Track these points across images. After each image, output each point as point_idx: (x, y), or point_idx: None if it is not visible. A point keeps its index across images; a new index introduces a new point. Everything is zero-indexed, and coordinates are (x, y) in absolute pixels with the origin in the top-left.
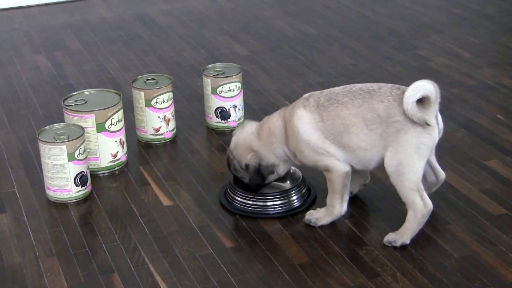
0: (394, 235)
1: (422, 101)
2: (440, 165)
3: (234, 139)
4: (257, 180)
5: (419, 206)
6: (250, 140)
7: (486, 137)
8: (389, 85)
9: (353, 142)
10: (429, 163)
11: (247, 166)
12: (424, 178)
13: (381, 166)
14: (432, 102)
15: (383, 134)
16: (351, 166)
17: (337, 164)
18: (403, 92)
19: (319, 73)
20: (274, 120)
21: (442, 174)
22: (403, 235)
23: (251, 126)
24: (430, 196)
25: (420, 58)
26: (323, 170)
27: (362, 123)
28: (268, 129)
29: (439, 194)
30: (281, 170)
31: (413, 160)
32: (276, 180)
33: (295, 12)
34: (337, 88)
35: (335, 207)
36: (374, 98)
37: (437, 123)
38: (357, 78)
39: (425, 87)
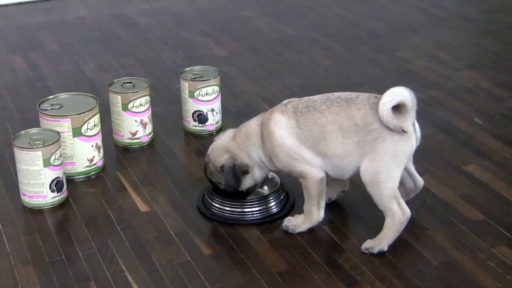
0: (372, 242)
1: (398, 108)
2: (418, 169)
3: (212, 144)
4: (232, 181)
5: (397, 213)
6: (226, 142)
7: (465, 141)
8: (367, 94)
9: (329, 149)
10: (407, 169)
11: (222, 167)
12: (402, 185)
13: (357, 174)
14: (409, 109)
15: (359, 143)
16: (327, 173)
17: (312, 170)
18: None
19: (298, 75)
20: (252, 124)
21: (420, 181)
22: (381, 242)
23: (230, 131)
24: (408, 201)
25: (399, 60)
26: (298, 176)
27: (338, 130)
28: (245, 131)
29: (418, 199)
30: (257, 175)
31: (390, 168)
32: (253, 188)
33: (275, 13)
34: (316, 96)
35: (313, 214)
36: (351, 106)
37: (415, 130)
38: (336, 80)
39: (401, 93)
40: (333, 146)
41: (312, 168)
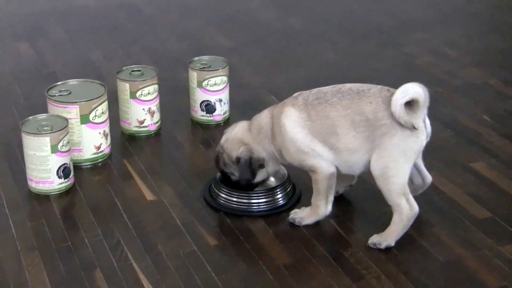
0: (379, 237)
1: (410, 104)
2: (425, 166)
3: (225, 135)
4: (247, 175)
5: (405, 209)
6: (242, 134)
7: (471, 138)
8: (379, 86)
9: (341, 143)
10: (416, 165)
11: (238, 159)
12: (411, 181)
13: (367, 170)
14: (421, 105)
15: (369, 137)
16: (337, 169)
17: (323, 164)
18: (392, 94)
19: (304, 67)
20: (263, 116)
21: (428, 178)
22: (388, 238)
23: (243, 123)
24: (415, 197)
25: (405, 56)
26: (308, 170)
27: (350, 125)
28: (257, 124)
29: (424, 197)
30: (270, 168)
31: (399, 163)
32: (264, 180)
33: (282, 5)
34: (326, 87)
35: (320, 208)
36: (363, 100)
37: (425, 126)
38: (342, 74)
39: (414, 90)
40: (344, 140)
41: (323, 162)
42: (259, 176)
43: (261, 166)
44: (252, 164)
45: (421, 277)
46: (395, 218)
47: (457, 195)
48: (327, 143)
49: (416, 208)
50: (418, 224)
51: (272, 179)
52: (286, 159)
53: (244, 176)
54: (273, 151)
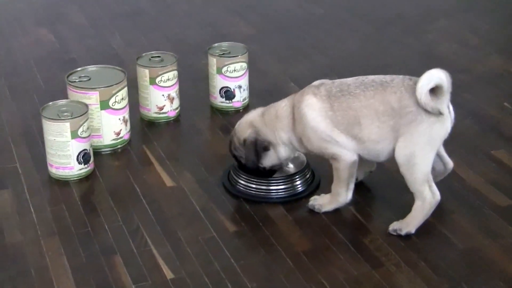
0: (399, 224)
1: (434, 91)
2: (446, 153)
3: (240, 120)
4: (252, 156)
5: (428, 196)
6: (253, 118)
7: (493, 126)
8: (401, 76)
9: (364, 134)
10: (437, 152)
11: (244, 141)
12: (432, 167)
13: (392, 157)
14: (445, 91)
15: (395, 126)
16: (360, 156)
17: (345, 153)
18: (415, 83)
19: (325, 55)
20: (283, 105)
21: (450, 164)
22: (409, 224)
23: (258, 109)
24: (435, 184)
25: (428, 43)
26: (329, 158)
27: (374, 115)
28: (274, 112)
29: (445, 184)
30: (282, 154)
31: (425, 151)
32: (278, 167)
33: None
34: (349, 79)
35: (340, 195)
36: (387, 90)
37: (450, 112)
38: (364, 61)
39: (438, 76)
40: (368, 131)
41: (344, 150)
42: (267, 160)
43: (266, 148)
44: (257, 146)
45: (441, 264)
46: (417, 205)
47: (478, 183)
48: (350, 133)
49: (438, 195)
50: (438, 211)
51: (291, 165)
52: (307, 147)
53: (249, 157)
54: (291, 139)
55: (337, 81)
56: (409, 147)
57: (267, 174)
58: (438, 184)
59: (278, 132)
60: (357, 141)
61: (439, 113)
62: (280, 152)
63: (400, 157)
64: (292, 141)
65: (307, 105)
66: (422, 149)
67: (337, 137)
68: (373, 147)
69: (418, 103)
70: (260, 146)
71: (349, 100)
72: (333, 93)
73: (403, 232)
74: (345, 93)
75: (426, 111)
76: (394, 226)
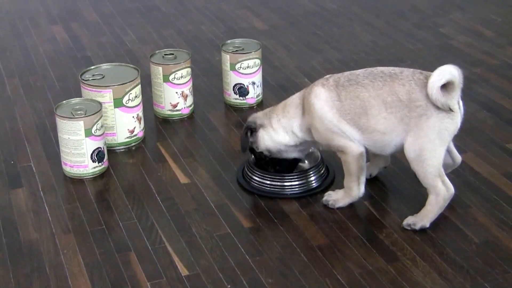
0: (414, 218)
1: (445, 86)
2: (461, 146)
3: None
4: (243, 139)
5: (442, 190)
6: (263, 110)
7: (508, 119)
8: (411, 69)
9: (370, 124)
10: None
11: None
12: None
13: (399, 150)
14: (456, 87)
15: (403, 119)
16: (367, 148)
17: (351, 145)
18: (426, 77)
19: (338, 49)
20: (294, 97)
21: (458, 158)
22: (423, 218)
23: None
24: (451, 178)
25: (441, 36)
26: (336, 151)
27: (381, 105)
28: (283, 104)
29: (460, 177)
30: (274, 136)
31: (435, 145)
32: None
33: None
34: (359, 70)
35: (353, 190)
36: (395, 82)
37: (459, 108)
38: (377, 55)
39: (450, 72)
40: (374, 121)
41: (351, 142)
42: (260, 143)
43: (253, 130)
44: (245, 129)
45: (456, 259)
46: (431, 199)
47: (493, 176)
48: (356, 123)
49: (452, 189)
50: (453, 204)
51: (305, 161)
52: (314, 138)
53: (241, 142)
54: (295, 128)
55: (347, 72)
56: (419, 142)
57: (285, 167)
58: (453, 177)
59: (276, 119)
60: (363, 132)
61: (449, 109)
62: (273, 136)
63: (410, 152)
64: (294, 129)
65: (316, 95)
66: (432, 143)
67: (343, 127)
68: (379, 138)
69: (428, 98)
70: (246, 128)
71: (357, 90)
72: (341, 82)
73: (417, 227)
74: (353, 82)
75: (436, 106)
76: (408, 220)
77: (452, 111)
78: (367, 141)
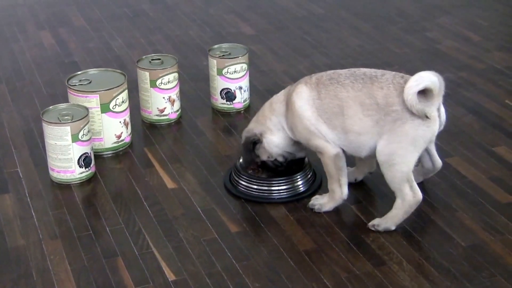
0: (379, 220)
1: (424, 93)
2: (447, 150)
3: None
4: (245, 154)
5: (408, 196)
6: (253, 121)
7: (494, 123)
8: (393, 73)
9: (346, 124)
10: (427, 150)
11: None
12: (421, 165)
13: (374, 153)
14: (435, 94)
15: (379, 122)
16: (344, 150)
17: (326, 145)
18: (405, 81)
19: (326, 54)
20: (279, 94)
21: (439, 162)
22: (388, 221)
23: None
24: (436, 182)
25: (429, 40)
26: (315, 151)
27: (358, 107)
28: (269, 103)
29: (447, 181)
30: (275, 140)
31: (407, 151)
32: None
33: None
34: (342, 70)
35: (335, 192)
36: (374, 84)
37: (439, 115)
38: (364, 60)
39: (429, 78)
40: (350, 122)
41: (327, 143)
42: (263, 153)
43: (256, 142)
44: (247, 143)
45: (443, 262)
46: (397, 203)
47: (480, 179)
48: (332, 123)
49: (419, 195)
50: (440, 208)
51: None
52: (295, 136)
53: (244, 157)
54: (283, 124)
55: (331, 71)
56: (391, 146)
57: (287, 166)
58: (439, 182)
59: (268, 119)
60: (338, 132)
61: (425, 117)
62: (273, 140)
63: (380, 155)
64: (283, 126)
65: (297, 93)
66: (404, 149)
67: (320, 126)
68: (354, 138)
69: (405, 103)
70: (249, 143)
71: (336, 89)
72: (322, 80)
73: (381, 228)
74: (334, 81)
75: (412, 112)
76: (374, 221)
77: (429, 118)
78: (342, 142)
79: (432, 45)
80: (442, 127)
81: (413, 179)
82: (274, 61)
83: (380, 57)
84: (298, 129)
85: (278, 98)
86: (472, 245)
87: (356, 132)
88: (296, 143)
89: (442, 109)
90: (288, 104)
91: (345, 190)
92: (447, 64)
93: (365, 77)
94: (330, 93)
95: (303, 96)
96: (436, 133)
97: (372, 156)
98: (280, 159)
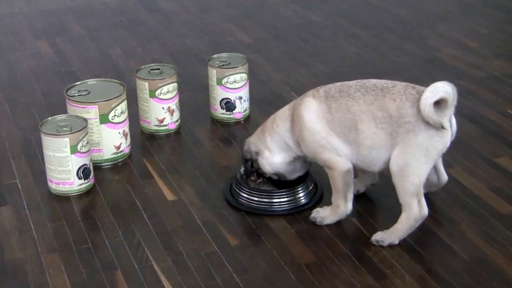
0: (383, 234)
1: (438, 103)
2: (448, 160)
3: None
4: (246, 167)
5: (415, 210)
6: (256, 134)
7: (494, 132)
8: (404, 83)
9: (360, 139)
10: (434, 164)
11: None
12: (426, 178)
13: (387, 167)
14: (449, 105)
15: (392, 134)
16: (355, 164)
17: (338, 160)
18: (418, 92)
19: (324, 62)
20: (283, 109)
21: (444, 177)
22: (392, 236)
23: None
24: (437, 192)
25: (427, 48)
26: (323, 165)
27: (371, 120)
28: (273, 118)
29: (448, 192)
30: (272, 159)
31: (420, 163)
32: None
33: None
34: (351, 81)
35: (340, 207)
36: (386, 96)
37: (451, 125)
38: (362, 68)
39: (444, 89)
40: (363, 136)
41: (338, 157)
42: (265, 167)
43: (254, 156)
44: (247, 160)
45: (445, 275)
46: (403, 217)
47: (481, 191)
48: (345, 137)
49: (425, 210)
50: (441, 220)
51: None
52: (302, 150)
53: (246, 169)
54: (288, 140)
55: (339, 83)
56: (404, 157)
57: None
58: (440, 192)
59: (269, 138)
60: (351, 146)
61: (441, 127)
62: (268, 160)
63: (394, 166)
64: (287, 142)
65: (305, 107)
66: (417, 160)
67: (332, 140)
68: (367, 153)
69: (418, 114)
70: (246, 160)
71: (348, 103)
72: (331, 93)
73: (385, 243)
74: (344, 94)
75: (427, 123)
76: (377, 236)
77: (444, 128)
78: (355, 156)
79: (430, 53)
80: (453, 138)
81: (422, 194)
82: (271, 70)
83: (378, 65)
84: (306, 143)
85: (283, 114)
86: (474, 258)
87: (370, 146)
88: (291, 165)
89: (453, 120)
90: (295, 118)
91: (350, 205)
92: (445, 72)
93: (376, 89)
94: (341, 106)
95: (312, 109)
96: (448, 144)
97: (385, 169)
98: (274, 177)
